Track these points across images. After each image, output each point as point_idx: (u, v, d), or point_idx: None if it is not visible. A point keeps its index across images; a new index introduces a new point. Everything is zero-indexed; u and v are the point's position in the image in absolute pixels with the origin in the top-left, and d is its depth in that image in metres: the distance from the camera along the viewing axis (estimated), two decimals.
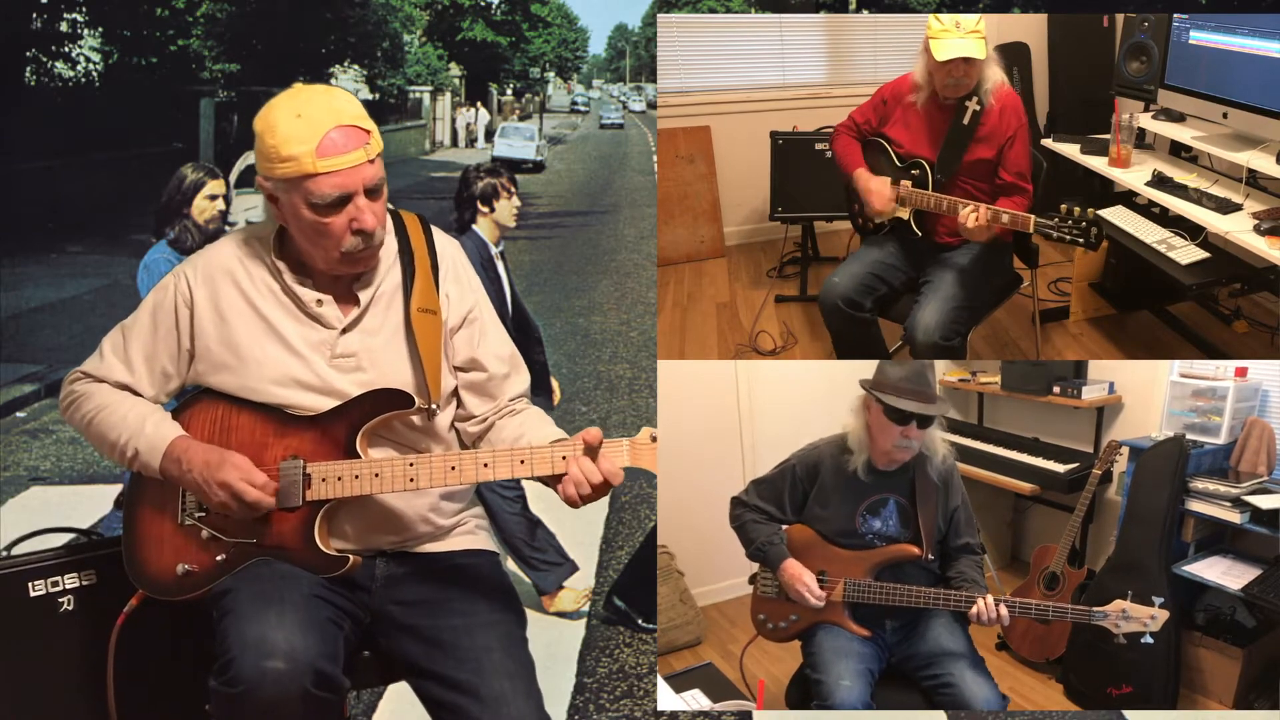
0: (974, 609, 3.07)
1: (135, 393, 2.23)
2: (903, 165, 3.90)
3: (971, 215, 3.57)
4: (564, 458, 2.08)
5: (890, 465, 3.23)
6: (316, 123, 2.06)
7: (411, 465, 2.12)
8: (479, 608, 2.22)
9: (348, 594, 2.19)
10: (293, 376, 2.16)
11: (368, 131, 2.11)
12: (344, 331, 2.19)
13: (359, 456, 2.14)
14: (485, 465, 2.11)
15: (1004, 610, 3.06)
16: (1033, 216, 3.50)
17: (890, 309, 4.08)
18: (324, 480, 2.13)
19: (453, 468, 2.12)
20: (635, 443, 2.10)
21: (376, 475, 2.12)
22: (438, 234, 2.34)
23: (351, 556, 2.16)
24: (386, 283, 2.23)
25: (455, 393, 2.29)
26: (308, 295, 2.18)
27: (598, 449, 2.07)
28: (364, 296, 2.21)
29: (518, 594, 2.35)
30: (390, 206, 2.26)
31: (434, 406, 2.20)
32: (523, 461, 2.09)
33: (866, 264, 4.03)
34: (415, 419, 2.21)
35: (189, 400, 2.23)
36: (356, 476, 2.12)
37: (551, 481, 2.10)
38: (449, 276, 2.28)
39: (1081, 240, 3.41)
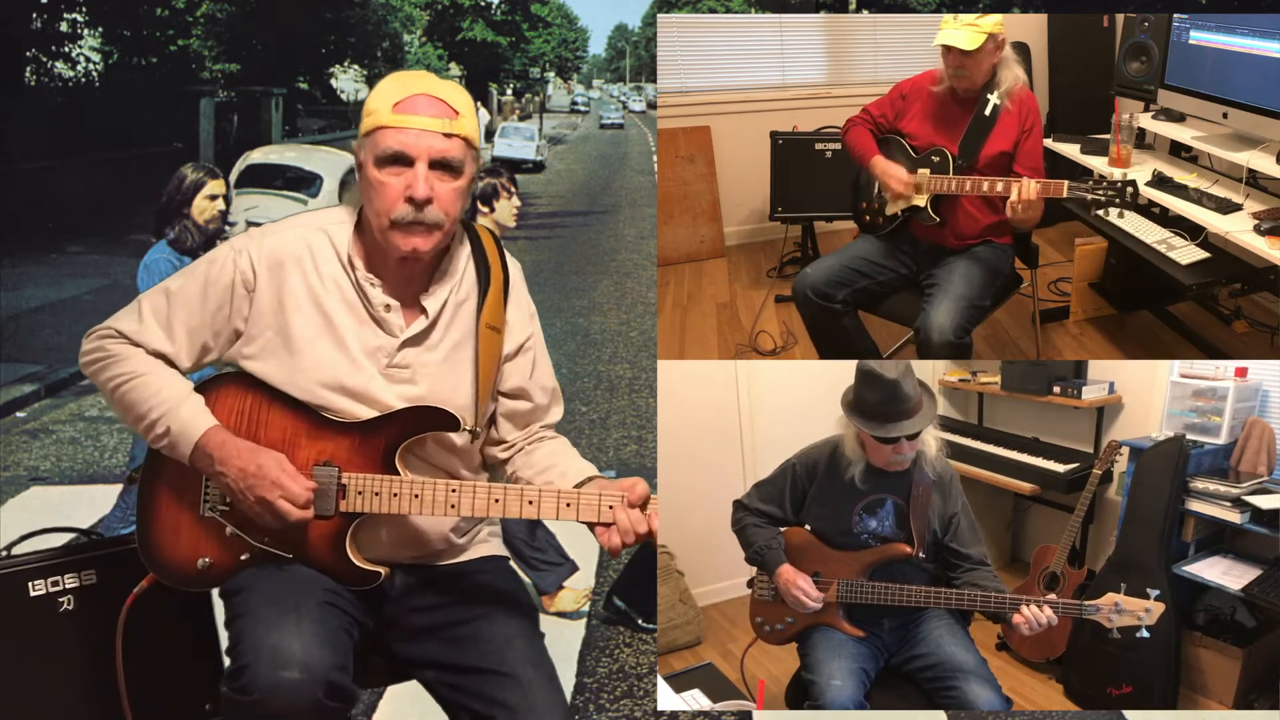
0: (1020, 617, 2.96)
1: (171, 363, 2.13)
2: (919, 156, 3.88)
3: (1030, 186, 3.49)
4: (610, 507, 2.06)
5: (890, 467, 3.23)
6: (408, 86, 2.08)
7: (454, 491, 2.08)
8: (496, 605, 2.22)
9: (359, 602, 2.15)
10: (340, 380, 2.11)
11: (456, 111, 2.08)
12: (404, 343, 2.14)
13: (397, 473, 2.09)
14: (530, 503, 2.07)
15: (1049, 611, 2.96)
16: (1065, 182, 3.49)
17: (878, 305, 4.06)
18: (360, 493, 2.08)
19: (496, 500, 2.08)
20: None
21: (417, 496, 2.08)
22: (508, 255, 2.30)
23: (383, 570, 2.13)
24: (456, 294, 2.18)
25: (491, 417, 2.25)
26: (378, 298, 2.13)
27: (643, 503, 2.06)
28: (430, 307, 2.15)
29: (530, 596, 2.35)
30: (464, 220, 2.21)
31: (478, 430, 2.16)
32: (569, 504, 2.07)
33: (845, 258, 4.03)
34: (456, 438, 2.17)
35: (214, 383, 2.15)
36: (395, 494, 2.08)
37: (590, 524, 2.08)
38: (513, 300, 2.25)
39: (1118, 200, 3.41)
